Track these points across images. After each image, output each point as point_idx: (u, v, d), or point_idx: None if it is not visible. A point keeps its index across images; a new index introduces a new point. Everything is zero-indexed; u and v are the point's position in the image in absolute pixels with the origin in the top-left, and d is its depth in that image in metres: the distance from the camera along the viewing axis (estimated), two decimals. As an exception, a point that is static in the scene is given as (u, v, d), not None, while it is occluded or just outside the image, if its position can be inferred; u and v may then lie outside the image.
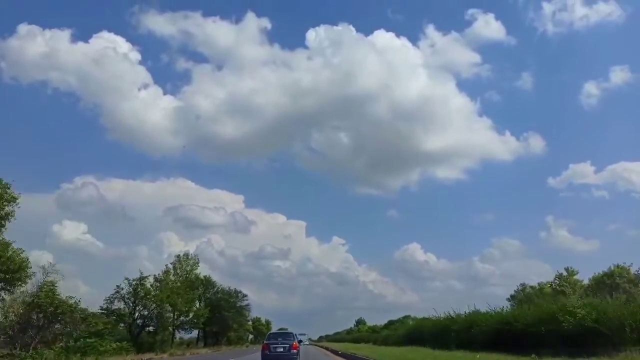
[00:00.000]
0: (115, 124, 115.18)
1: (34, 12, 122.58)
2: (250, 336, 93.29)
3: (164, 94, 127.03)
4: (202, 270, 60.13)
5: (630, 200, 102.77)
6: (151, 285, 43.63)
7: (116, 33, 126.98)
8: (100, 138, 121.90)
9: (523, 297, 44.11)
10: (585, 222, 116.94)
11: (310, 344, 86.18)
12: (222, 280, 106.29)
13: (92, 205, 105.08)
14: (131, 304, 41.82)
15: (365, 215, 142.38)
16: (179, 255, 54.61)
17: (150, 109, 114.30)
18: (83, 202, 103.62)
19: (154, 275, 45.91)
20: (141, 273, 42.48)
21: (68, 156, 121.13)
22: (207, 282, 61.29)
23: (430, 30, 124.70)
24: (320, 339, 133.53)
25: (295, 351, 22.23)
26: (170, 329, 48.98)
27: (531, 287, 49.34)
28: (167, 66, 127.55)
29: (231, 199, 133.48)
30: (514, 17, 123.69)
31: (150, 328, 45.40)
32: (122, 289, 41.37)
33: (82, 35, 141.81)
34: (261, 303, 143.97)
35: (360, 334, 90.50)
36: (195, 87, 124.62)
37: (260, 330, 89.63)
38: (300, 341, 26.17)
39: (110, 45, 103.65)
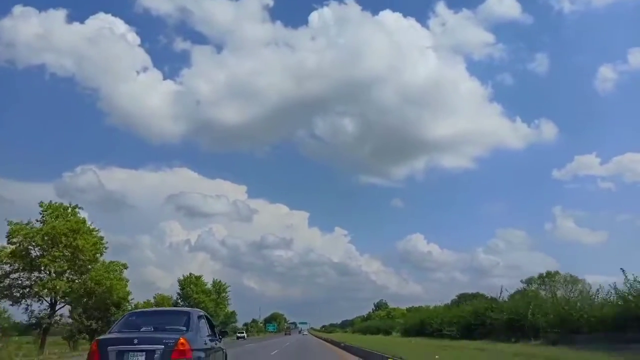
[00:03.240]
0: (113, 109, 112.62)
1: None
2: None
3: (164, 78, 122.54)
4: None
5: (638, 191, 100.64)
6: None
7: (114, 14, 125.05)
8: (98, 124, 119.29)
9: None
10: (592, 214, 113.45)
11: (310, 334, 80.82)
12: (224, 270, 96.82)
13: (93, 193, 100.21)
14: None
15: (369, 205, 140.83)
16: None
17: (149, 94, 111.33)
18: (83, 189, 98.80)
19: None
20: None
21: (68, 144, 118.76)
22: None
23: (441, 7, 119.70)
24: (324, 328, 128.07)
25: None
26: None
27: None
28: (165, 47, 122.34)
29: (234, 189, 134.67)
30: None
31: None
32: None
33: (78, 16, 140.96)
34: (263, 292, 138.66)
35: (393, 321, 58.56)
36: (195, 69, 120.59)
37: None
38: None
39: (107, 25, 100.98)
